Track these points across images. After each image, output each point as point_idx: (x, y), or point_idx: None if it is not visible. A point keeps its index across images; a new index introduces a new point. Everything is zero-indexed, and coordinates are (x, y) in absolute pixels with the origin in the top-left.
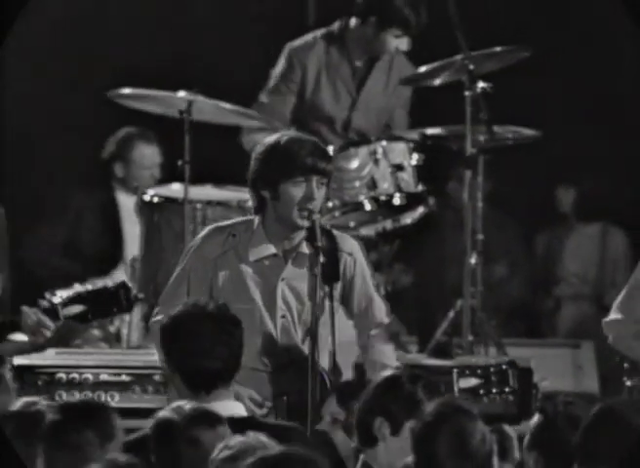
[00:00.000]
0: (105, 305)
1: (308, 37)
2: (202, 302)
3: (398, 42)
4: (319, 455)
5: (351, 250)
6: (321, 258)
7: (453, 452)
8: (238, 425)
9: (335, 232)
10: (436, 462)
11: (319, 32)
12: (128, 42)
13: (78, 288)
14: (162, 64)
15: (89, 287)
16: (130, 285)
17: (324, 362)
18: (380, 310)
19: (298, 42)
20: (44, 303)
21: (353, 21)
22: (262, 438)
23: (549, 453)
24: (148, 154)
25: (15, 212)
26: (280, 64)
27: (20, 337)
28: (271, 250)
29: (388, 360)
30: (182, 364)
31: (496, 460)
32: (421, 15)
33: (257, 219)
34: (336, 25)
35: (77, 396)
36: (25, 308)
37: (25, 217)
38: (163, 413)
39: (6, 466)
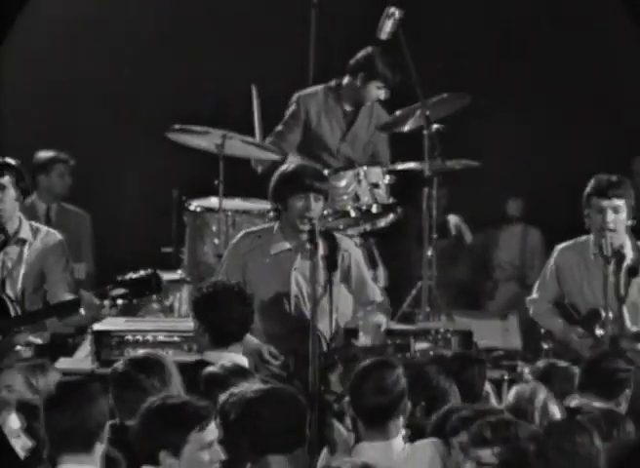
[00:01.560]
0: (141, 289)
1: (312, 89)
2: (228, 283)
3: (379, 92)
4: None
5: (347, 247)
6: (322, 252)
7: (374, 390)
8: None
9: (336, 235)
10: (364, 398)
11: (320, 86)
12: (173, 90)
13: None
14: (202, 108)
15: (132, 275)
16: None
17: (325, 328)
18: (374, 292)
19: (304, 91)
20: (107, 287)
21: (345, 79)
22: (255, 386)
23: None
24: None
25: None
26: (291, 107)
27: (82, 312)
28: (287, 246)
29: (379, 323)
30: (212, 326)
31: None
32: (397, 73)
33: (276, 225)
34: (333, 82)
35: (141, 353)
36: (82, 291)
37: (108, 223)
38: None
39: (6, 466)
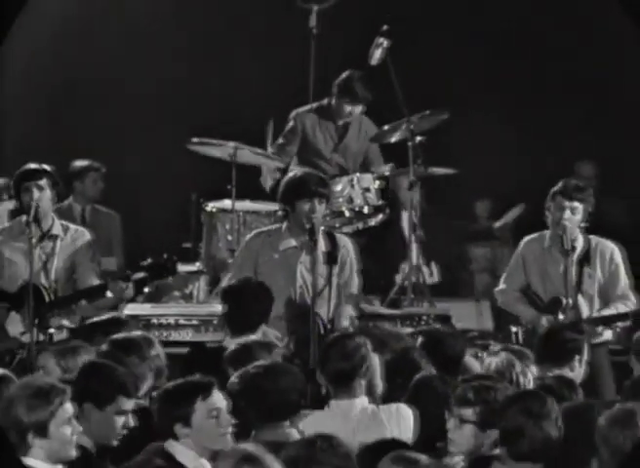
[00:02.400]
0: (158, 272)
1: (307, 107)
2: (250, 279)
3: (353, 108)
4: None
5: (345, 244)
6: (324, 249)
7: (337, 356)
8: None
9: (336, 234)
10: (330, 364)
11: (314, 104)
12: (192, 103)
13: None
14: (216, 121)
15: (150, 260)
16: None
17: (324, 313)
18: (354, 286)
19: (300, 109)
20: (127, 272)
21: (332, 98)
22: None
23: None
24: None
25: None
26: (289, 123)
27: (109, 295)
28: (293, 243)
29: (346, 312)
30: (234, 316)
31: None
32: (368, 91)
33: (284, 225)
34: (325, 100)
35: (164, 334)
36: (112, 280)
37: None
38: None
39: (6, 466)
